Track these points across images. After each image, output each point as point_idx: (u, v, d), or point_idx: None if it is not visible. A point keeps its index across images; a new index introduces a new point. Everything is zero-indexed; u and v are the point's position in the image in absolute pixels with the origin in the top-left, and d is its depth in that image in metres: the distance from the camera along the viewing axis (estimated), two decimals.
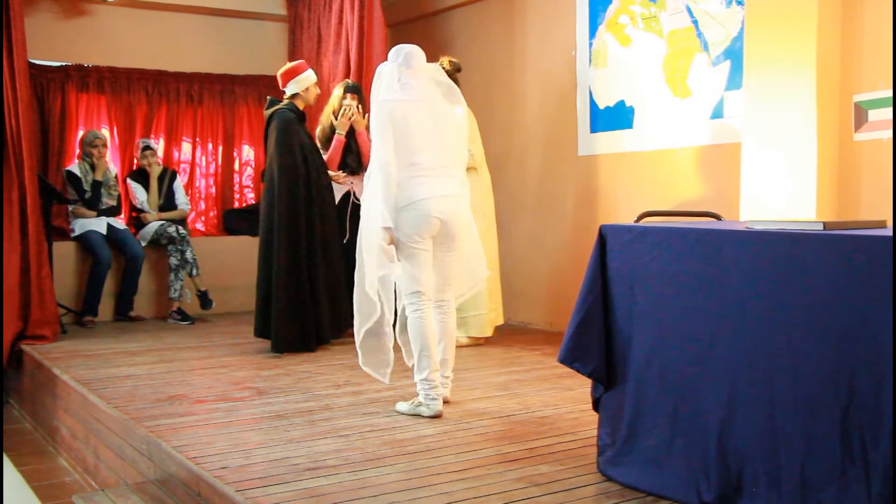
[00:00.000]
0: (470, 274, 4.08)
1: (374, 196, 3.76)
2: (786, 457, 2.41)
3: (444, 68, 4.56)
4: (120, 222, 7.03)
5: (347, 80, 6.22)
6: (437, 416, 3.77)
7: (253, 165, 8.32)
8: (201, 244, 7.29)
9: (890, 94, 4.21)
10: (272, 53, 8.10)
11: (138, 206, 7.17)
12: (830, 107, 4.36)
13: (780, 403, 2.42)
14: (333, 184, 5.70)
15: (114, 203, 6.98)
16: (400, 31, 7.40)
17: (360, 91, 5.88)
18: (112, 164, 7.30)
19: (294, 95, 5.50)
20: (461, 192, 3.93)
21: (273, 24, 8.13)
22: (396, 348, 4.01)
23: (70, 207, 6.90)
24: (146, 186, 7.18)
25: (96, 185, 6.85)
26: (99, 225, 6.81)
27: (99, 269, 6.67)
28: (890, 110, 4.21)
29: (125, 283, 6.88)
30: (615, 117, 5.85)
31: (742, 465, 2.53)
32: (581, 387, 4.07)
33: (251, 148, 8.30)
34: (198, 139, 8.05)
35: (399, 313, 3.98)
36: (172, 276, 6.89)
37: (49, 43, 7.20)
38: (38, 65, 7.21)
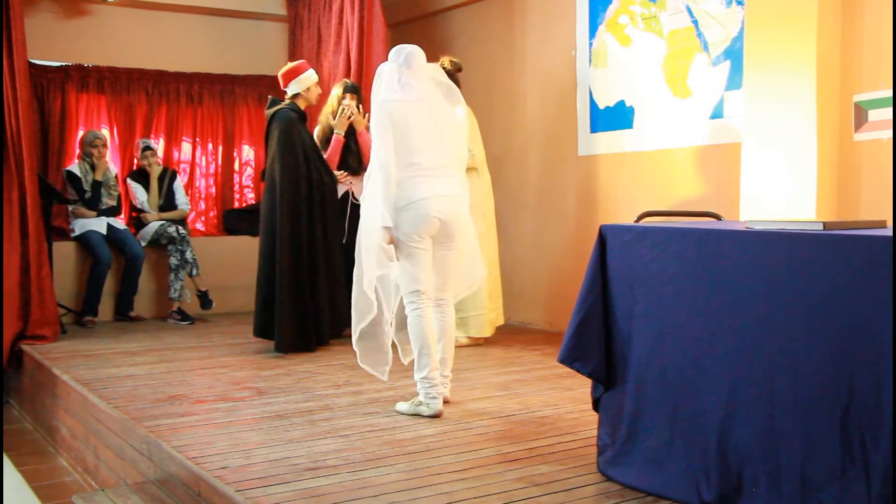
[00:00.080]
0: (468, 273, 4.09)
1: (374, 196, 3.78)
2: (786, 457, 2.41)
3: (444, 68, 4.57)
4: (120, 222, 7.03)
5: (346, 79, 6.22)
6: (437, 415, 3.78)
7: (253, 165, 8.32)
8: (201, 244, 7.29)
9: (890, 94, 4.21)
10: (272, 53, 8.11)
11: (138, 206, 7.17)
12: (830, 107, 4.36)
13: (780, 403, 2.42)
14: None
15: (114, 203, 6.98)
16: (400, 31, 7.40)
17: (358, 91, 5.88)
18: (112, 164, 7.30)
19: (295, 95, 5.51)
20: (460, 192, 3.95)
21: (273, 24, 8.13)
22: (394, 347, 4.02)
23: (70, 207, 6.90)
24: (146, 186, 7.18)
25: (96, 185, 6.85)
26: (99, 225, 6.81)
27: (99, 269, 6.67)
28: (890, 110, 4.21)
29: (125, 283, 6.88)
30: (615, 117, 5.85)
31: (742, 465, 2.53)
32: (581, 387, 4.07)
33: (251, 148, 8.31)
34: (198, 139, 8.05)
35: (395, 312, 3.99)
36: (172, 276, 6.89)
37: (49, 43, 7.20)
38: (38, 65, 7.21)
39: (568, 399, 4.10)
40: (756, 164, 4.51)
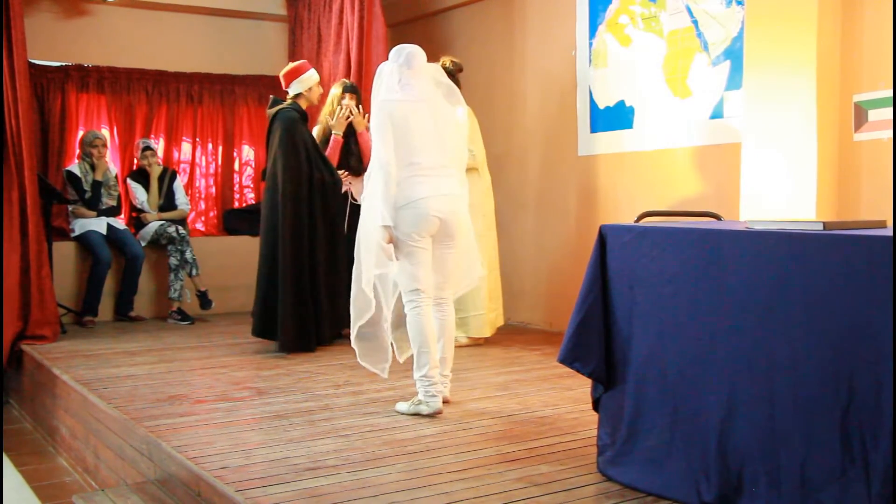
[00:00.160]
0: (467, 272, 4.09)
1: (374, 195, 3.79)
2: (786, 457, 2.41)
3: (445, 68, 4.57)
4: (120, 222, 7.03)
5: (345, 79, 6.21)
6: (436, 414, 3.78)
7: (253, 165, 8.32)
8: (201, 244, 7.29)
9: (890, 94, 4.21)
10: (272, 53, 8.11)
11: (138, 206, 7.17)
12: (830, 107, 4.36)
13: (780, 403, 2.42)
14: None
15: (114, 203, 6.98)
16: (400, 31, 7.40)
17: (357, 91, 5.88)
18: (112, 164, 7.30)
19: (297, 95, 5.52)
20: (460, 192, 3.96)
21: (273, 24, 8.13)
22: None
23: (70, 207, 6.90)
24: (146, 186, 7.18)
25: (96, 185, 6.85)
26: (99, 225, 6.81)
27: (99, 269, 6.67)
28: (890, 110, 4.21)
29: (125, 283, 6.88)
30: (615, 117, 5.85)
31: (742, 465, 2.53)
32: (581, 387, 4.07)
33: (251, 148, 8.31)
34: (198, 139, 8.05)
35: (393, 310, 4.00)
36: (172, 276, 6.89)
37: (49, 43, 7.20)
38: (38, 65, 7.21)
39: (568, 399, 4.10)
40: (756, 164, 4.51)
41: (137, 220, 7.19)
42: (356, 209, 5.25)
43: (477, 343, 5.63)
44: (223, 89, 8.07)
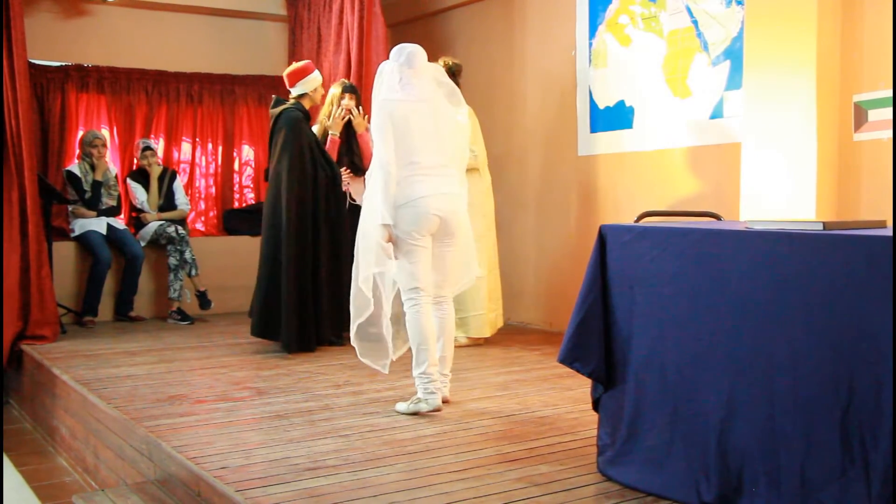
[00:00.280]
0: (465, 270, 4.10)
1: (375, 194, 3.82)
2: (786, 457, 2.41)
3: (446, 67, 4.59)
4: (120, 222, 7.03)
5: (345, 79, 6.21)
6: (436, 411, 3.79)
7: (253, 165, 8.32)
8: (201, 244, 7.29)
9: (890, 94, 4.21)
10: (272, 53, 8.11)
11: (138, 207, 7.17)
12: (830, 107, 4.36)
13: (780, 403, 2.42)
14: None
15: (114, 203, 6.98)
16: (400, 31, 7.40)
17: (357, 91, 5.88)
18: (112, 164, 7.30)
19: (301, 95, 5.52)
20: (460, 191, 3.98)
21: (273, 24, 8.13)
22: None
23: (70, 207, 6.90)
24: (146, 186, 7.18)
25: (96, 185, 6.85)
26: (99, 225, 6.81)
27: (99, 269, 6.67)
28: (890, 110, 4.21)
29: (125, 284, 6.88)
30: (615, 117, 5.85)
31: (742, 465, 2.53)
32: (581, 387, 4.07)
33: (251, 148, 8.31)
34: (198, 139, 8.04)
35: (392, 307, 4.01)
36: (172, 276, 6.89)
37: (49, 43, 7.20)
38: (38, 65, 7.21)
39: (568, 399, 4.10)
40: (756, 164, 4.51)
41: (137, 220, 7.19)
42: (355, 209, 5.26)
43: (477, 343, 5.63)
44: (223, 89, 8.07)
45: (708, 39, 5.20)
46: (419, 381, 3.83)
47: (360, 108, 5.77)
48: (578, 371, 2.94)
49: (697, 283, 2.64)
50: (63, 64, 7.42)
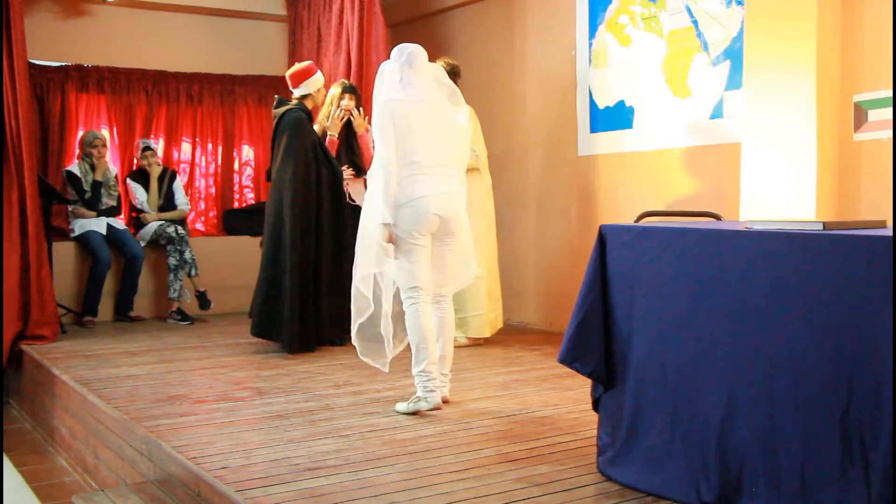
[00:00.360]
0: (463, 269, 4.11)
1: (375, 193, 3.83)
2: (786, 457, 2.41)
3: (447, 66, 4.59)
4: (120, 222, 7.03)
5: (344, 80, 6.21)
6: (436, 409, 3.80)
7: (253, 165, 8.32)
8: (201, 244, 7.29)
9: (890, 94, 4.21)
10: (272, 53, 8.11)
11: (138, 207, 7.17)
12: (830, 107, 4.37)
13: (780, 403, 2.42)
14: None
15: (114, 203, 6.98)
16: (400, 31, 7.40)
17: (357, 91, 5.88)
18: (112, 165, 7.30)
19: (304, 96, 5.52)
20: (460, 190, 4.00)
21: (273, 24, 8.13)
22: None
23: (70, 207, 6.90)
24: (146, 187, 7.18)
25: (96, 186, 6.85)
26: (99, 225, 6.81)
27: (99, 269, 6.67)
28: (890, 110, 4.21)
29: (125, 284, 6.88)
30: (615, 117, 5.85)
31: (742, 465, 2.53)
32: (581, 387, 4.07)
33: (251, 148, 8.30)
34: (198, 139, 8.04)
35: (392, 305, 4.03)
36: (172, 276, 6.89)
37: (49, 43, 7.20)
38: (38, 65, 7.21)
39: (568, 399, 4.10)
40: (756, 164, 4.51)
41: (137, 220, 7.19)
42: (355, 209, 5.26)
43: (477, 343, 5.63)
44: (223, 89, 8.07)
45: (708, 39, 5.20)
46: (418, 379, 3.84)
47: (361, 108, 5.77)
48: (578, 371, 2.94)
49: (697, 283, 2.64)
50: (63, 64, 7.42)
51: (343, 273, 5.45)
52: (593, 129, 6.02)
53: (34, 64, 7.00)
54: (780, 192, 4.40)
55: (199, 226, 8.04)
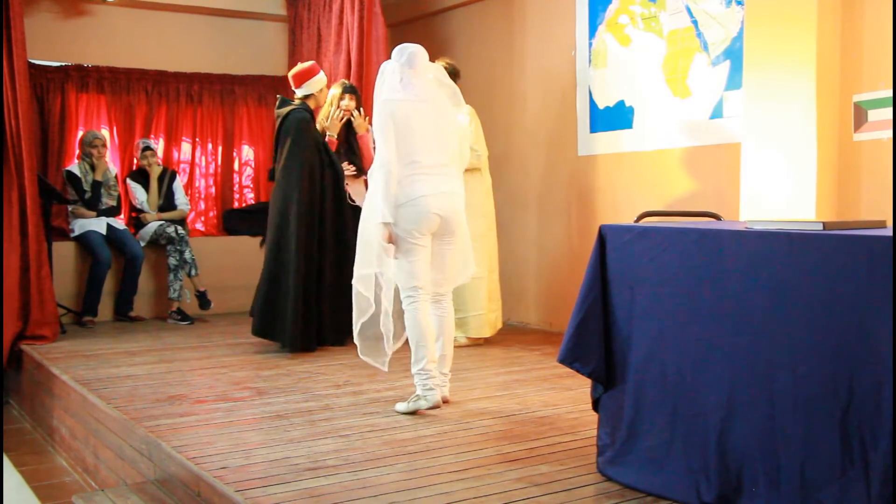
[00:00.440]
0: (462, 268, 4.12)
1: (375, 192, 3.84)
2: (786, 457, 2.41)
3: (447, 66, 4.61)
4: (119, 222, 7.03)
5: (345, 80, 6.21)
6: (435, 407, 3.81)
7: (253, 165, 8.32)
8: (201, 244, 7.29)
9: (890, 94, 4.21)
10: (272, 53, 8.11)
11: (138, 207, 7.17)
12: (830, 107, 4.36)
13: (780, 403, 2.42)
14: None
15: (113, 203, 6.98)
16: (400, 31, 7.40)
17: (357, 92, 5.88)
18: (112, 164, 7.30)
19: (307, 96, 5.52)
20: (460, 190, 4.00)
21: (273, 24, 8.13)
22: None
23: (70, 207, 6.90)
24: (146, 186, 7.18)
25: (96, 186, 6.85)
26: (98, 225, 6.81)
27: (98, 269, 6.67)
28: (890, 110, 4.21)
29: (125, 284, 6.88)
30: (615, 117, 5.85)
31: (742, 465, 2.53)
32: (581, 387, 4.07)
33: (251, 148, 8.30)
34: (197, 139, 8.04)
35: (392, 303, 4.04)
36: (171, 276, 6.89)
37: (49, 43, 7.20)
38: (38, 65, 7.20)
39: (568, 399, 4.10)
40: (756, 164, 4.51)
41: (137, 220, 7.19)
42: (355, 210, 5.27)
43: (477, 343, 5.63)
44: (223, 89, 8.06)
45: (708, 39, 5.20)
46: (418, 378, 3.85)
47: (361, 108, 5.77)
48: (578, 371, 2.94)
49: (697, 283, 2.64)
50: (63, 64, 7.41)
51: (345, 273, 5.44)
52: (593, 129, 6.02)
53: (34, 64, 7.00)
54: (780, 192, 4.40)
55: (199, 226, 8.04)
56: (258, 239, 7.57)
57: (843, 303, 2.28)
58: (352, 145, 5.84)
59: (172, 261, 6.90)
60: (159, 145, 7.79)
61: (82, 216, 6.82)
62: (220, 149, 8.13)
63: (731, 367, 2.55)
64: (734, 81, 5.02)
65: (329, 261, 5.47)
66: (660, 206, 5.38)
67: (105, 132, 7.41)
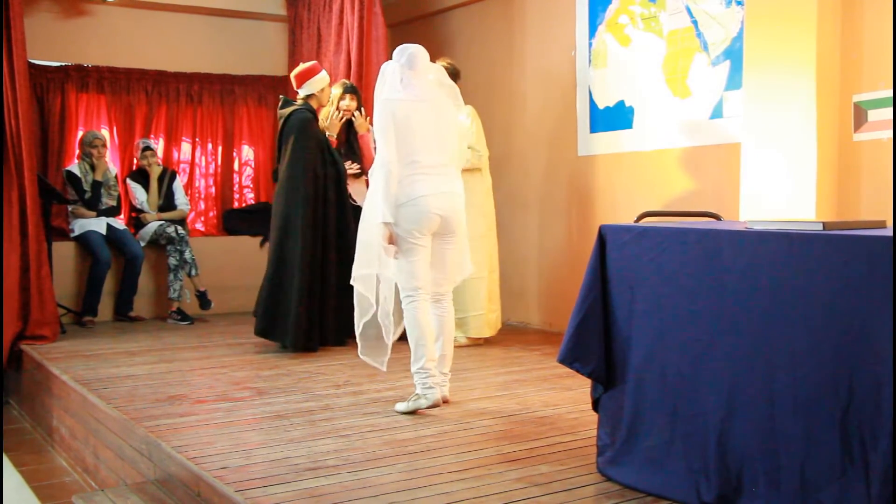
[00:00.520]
0: (460, 267, 4.12)
1: (376, 192, 3.84)
2: (786, 457, 2.41)
3: (448, 67, 4.61)
4: (119, 222, 7.03)
5: (345, 80, 6.22)
6: (435, 406, 3.81)
7: (253, 165, 8.32)
8: (201, 244, 7.29)
9: (890, 94, 4.21)
10: (272, 53, 8.11)
11: (138, 207, 7.17)
12: (830, 107, 4.37)
13: (780, 403, 2.42)
14: None
15: (113, 203, 6.99)
16: (400, 31, 7.40)
17: (358, 92, 5.88)
18: (112, 165, 7.30)
19: (309, 96, 5.52)
20: (460, 190, 4.01)
21: (273, 24, 8.13)
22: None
23: (70, 207, 6.90)
24: (146, 187, 7.18)
25: (96, 186, 6.85)
26: (98, 225, 6.81)
27: (98, 269, 6.67)
28: (890, 110, 4.21)
29: (125, 284, 6.88)
30: (615, 117, 5.85)
31: (742, 465, 2.53)
32: (581, 387, 4.07)
33: (251, 148, 8.30)
34: (197, 139, 8.04)
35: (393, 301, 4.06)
36: (172, 276, 6.89)
37: (49, 43, 7.20)
38: (38, 65, 7.20)
39: (568, 399, 4.10)
40: (756, 164, 4.51)
41: (137, 221, 7.19)
42: (355, 210, 5.27)
43: (477, 343, 5.63)
44: (223, 89, 8.06)
45: (708, 39, 5.20)
46: (417, 376, 3.85)
47: (362, 108, 5.77)
48: (578, 371, 2.94)
49: (697, 283, 2.64)
50: (63, 64, 7.41)
51: (349, 273, 5.45)
52: (593, 130, 6.02)
53: (34, 64, 7.00)
54: (780, 192, 4.40)
55: (199, 226, 8.04)
56: (258, 239, 7.59)
57: (843, 303, 2.28)
58: (352, 145, 5.84)
59: (172, 261, 6.90)
60: (159, 145, 7.79)
61: (82, 216, 6.83)
62: (220, 149, 8.13)
63: (731, 367, 2.55)
64: (734, 81, 5.02)
65: (332, 260, 5.47)
66: (660, 206, 5.38)
67: (105, 132, 7.41)
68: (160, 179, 7.23)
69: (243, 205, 8.25)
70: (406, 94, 3.90)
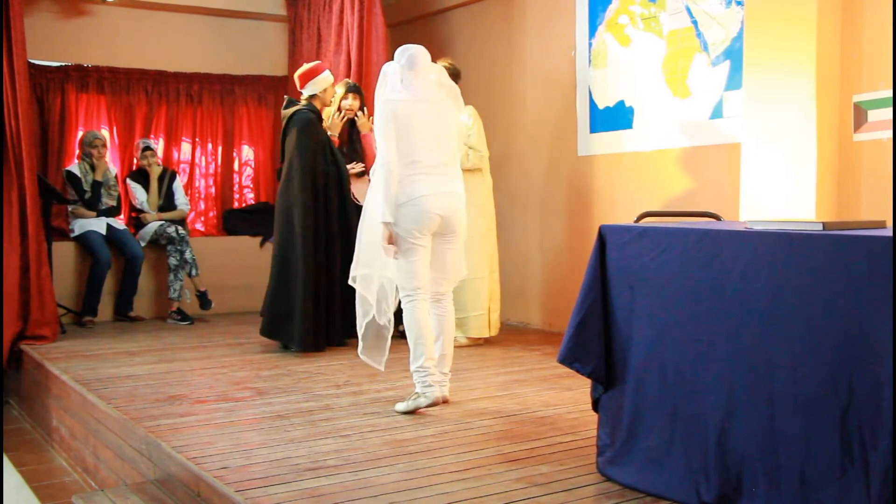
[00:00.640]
0: (459, 267, 4.12)
1: (376, 192, 3.85)
2: (786, 457, 2.41)
3: (448, 67, 4.62)
4: (119, 222, 7.03)
5: (348, 80, 6.22)
6: (434, 404, 3.82)
7: (253, 165, 8.32)
8: (201, 244, 7.29)
9: (890, 94, 4.21)
10: (272, 53, 8.11)
11: (138, 207, 7.17)
12: (830, 107, 4.37)
13: (779, 403, 2.42)
14: None
15: (113, 203, 6.99)
16: (400, 31, 7.40)
17: (361, 91, 5.88)
18: (112, 165, 7.30)
19: (312, 96, 5.53)
20: (460, 190, 4.01)
21: (273, 24, 8.13)
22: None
23: (70, 207, 6.90)
24: (146, 187, 7.18)
25: (96, 186, 6.85)
26: (98, 225, 6.81)
27: (98, 269, 6.67)
28: (890, 110, 4.21)
29: (125, 284, 6.88)
30: (615, 117, 5.85)
31: (742, 465, 2.53)
32: (581, 387, 4.07)
33: (251, 148, 8.30)
34: (197, 139, 8.04)
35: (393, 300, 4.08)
36: (172, 276, 6.90)
37: (49, 43, 7.20)
38: (38, 65, 7.20)
39: (568, 399, 4.10)
40: (756, 164, 4.51)
41: (137, 221, 7.19)
42: (357, 209, 5.27)
43: (477, 343, 5.63)
44: (223, 89, 8.06)
45: (708, 39, 5.20)
46: (416, 375, 3.85)
47: (365, 108, 5.78)
48: (578, 371, 2.94)
49: (697, 283, 2.64)
50: (63, 64, 7.42)
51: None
52: (593, 130, 6.02)
53: (34, 64, 7.00)
54: (780, 192, 4.40)
55: (199, 226, 8.04)
56: (258, 239, 7.59)
57: (843, 303, 2.28)
58: (355, 145, 5.84)
59: (173, 261, 6.90)
60: (159, 145, 7.79)
61: (82, 216, 6.83)
62: (219, 149, 8.13)
63: (731, 367, 2.55)
64: (734, 81, 5.02)
65: (337, 260, 5.47)
66: (659, 206, 5.38)
67: (105, 132, 7.41)
68: (160, 179, 7.24)
69: (243, 205, 8.26)
70: (407, 94, 3.90)
